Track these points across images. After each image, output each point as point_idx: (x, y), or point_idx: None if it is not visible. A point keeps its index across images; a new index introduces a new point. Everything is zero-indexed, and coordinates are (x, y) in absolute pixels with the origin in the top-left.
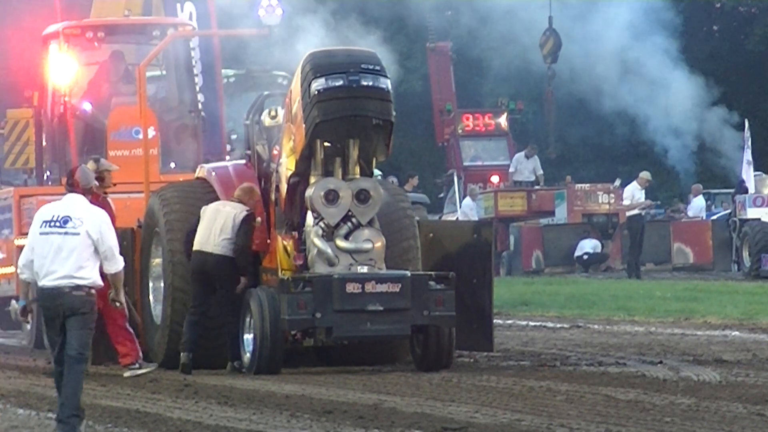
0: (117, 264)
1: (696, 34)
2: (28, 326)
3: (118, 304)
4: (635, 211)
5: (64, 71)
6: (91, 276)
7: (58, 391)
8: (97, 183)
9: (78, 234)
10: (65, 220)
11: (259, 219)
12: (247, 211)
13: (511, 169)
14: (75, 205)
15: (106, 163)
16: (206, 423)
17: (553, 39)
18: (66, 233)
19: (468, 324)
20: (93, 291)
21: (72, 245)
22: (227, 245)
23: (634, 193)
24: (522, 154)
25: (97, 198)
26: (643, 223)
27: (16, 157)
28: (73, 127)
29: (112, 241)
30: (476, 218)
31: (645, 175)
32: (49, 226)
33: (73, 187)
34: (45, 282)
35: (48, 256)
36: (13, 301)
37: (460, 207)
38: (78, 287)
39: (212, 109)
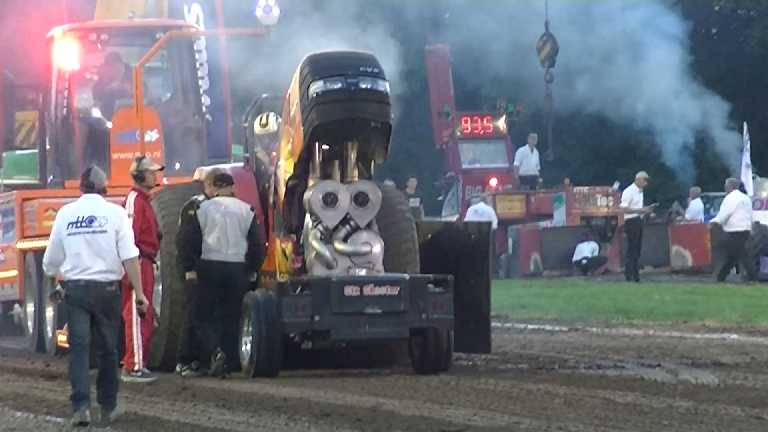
0: (132, 251)
1: (694, 37)
2: (31, 330)
3: (140, 305)
4: (634, 214)
5: (68, 73)
6: (118, 269)
7: (73, 375)
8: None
9: (105, 231)
10: (90, 220)
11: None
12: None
13: (516, 163)
14: (96, 205)
15: (146, 162)
16: (204, 426)
17: (550, 43)
18: (93, 232)
19: (466, 326)
20: (119, 284)
21: (100, 243)
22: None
23: (632, 195)
24: (526, 147)
25: (146, 197)
26: (642, 226)
27: None
28: (77, 129)
29: (128, 231)
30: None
31: (642, 174)
32: (76, 227)
33: (89, 188)
34: (80, 276)
35: (80, 254)
36: (17, 305)
37: (476, 211)
38: (111, 282)
39: (218, 112)
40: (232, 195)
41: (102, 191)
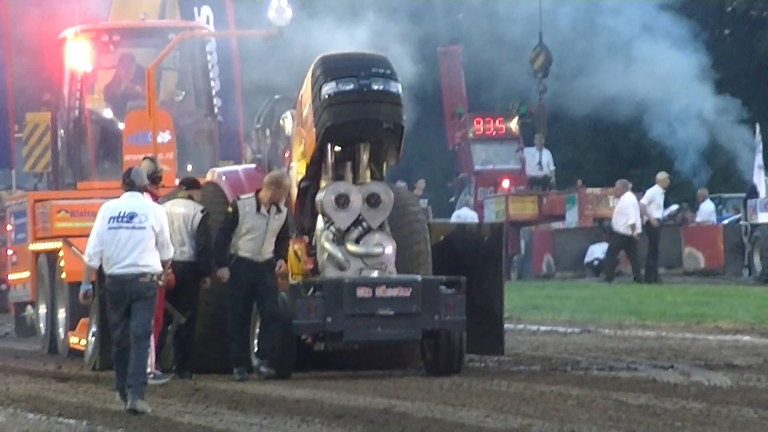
0: (171, 251)
1: (707, 38)
2: (43, 332)
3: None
4: (654, 215)
5: (80, 75)
6: (153, 264)
7: (116, 367)
8: (148, 181)
9: (144, 228)
10: (131, 216)
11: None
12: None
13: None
14: (137, 202)
15: (159, 163)
16: (216, 428)
17: (544, 54)
18: (133, 227)
19: (479, 328)
20: (155, 277)
21: (138, 238)
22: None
23: (654, 195)
24: (533, 148)
25: (156, 197)
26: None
27: (35, 160)
28: (89, 130)
29: (168, 232)
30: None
31: (663, 174)
32: (117, 222)
33: (130, 186)
34: (114, 270)
35: (117, 248)
36: (29, 307)
37: (458, 216)
38: (143, 274)
39: (230, 113)
40: (189, 198)
41: (142, 190)
